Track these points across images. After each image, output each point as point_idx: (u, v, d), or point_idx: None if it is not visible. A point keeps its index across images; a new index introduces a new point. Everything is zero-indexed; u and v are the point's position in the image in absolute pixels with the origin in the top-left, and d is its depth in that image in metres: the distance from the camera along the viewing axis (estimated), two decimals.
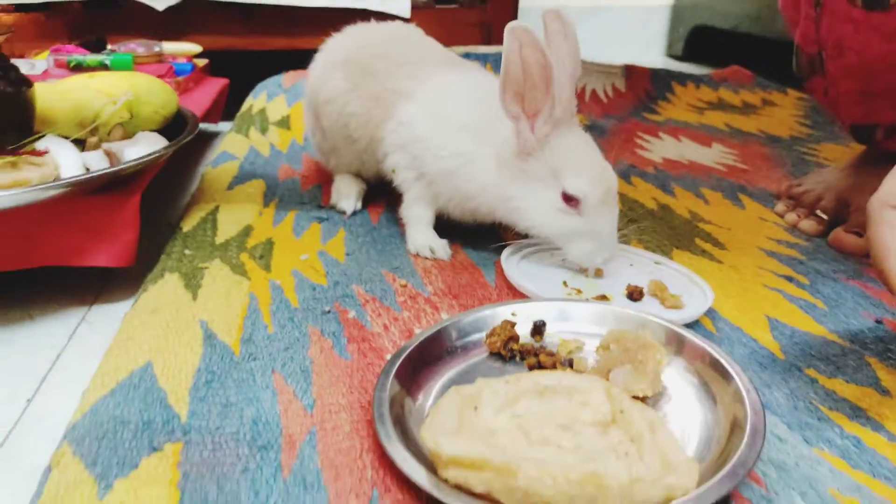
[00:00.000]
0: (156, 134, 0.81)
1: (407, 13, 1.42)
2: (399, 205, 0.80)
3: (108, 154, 0.71)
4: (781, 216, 0.89)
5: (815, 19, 0.78)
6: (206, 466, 0.44)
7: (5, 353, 0.62)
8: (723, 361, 0.50)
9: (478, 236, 0.79)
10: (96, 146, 0.75)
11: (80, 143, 0.77)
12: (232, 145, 1.10)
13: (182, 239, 0.75)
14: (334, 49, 0.87)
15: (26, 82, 0.71)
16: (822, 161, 1.14)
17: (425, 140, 0.73)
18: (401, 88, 0.77)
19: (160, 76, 1.07)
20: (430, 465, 0.41)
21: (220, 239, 0.76)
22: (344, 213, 0.86)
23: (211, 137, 1.28)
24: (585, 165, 0.66)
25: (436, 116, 0.73)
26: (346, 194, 0.87)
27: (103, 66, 1.15)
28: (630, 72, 1.58)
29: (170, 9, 1.40)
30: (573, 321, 0.59)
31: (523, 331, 0.58)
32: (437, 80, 0.77)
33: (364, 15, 0.92)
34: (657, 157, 1.16)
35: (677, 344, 0.54)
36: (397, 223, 0.83)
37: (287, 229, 0.80)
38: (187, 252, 0.72)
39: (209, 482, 0.42)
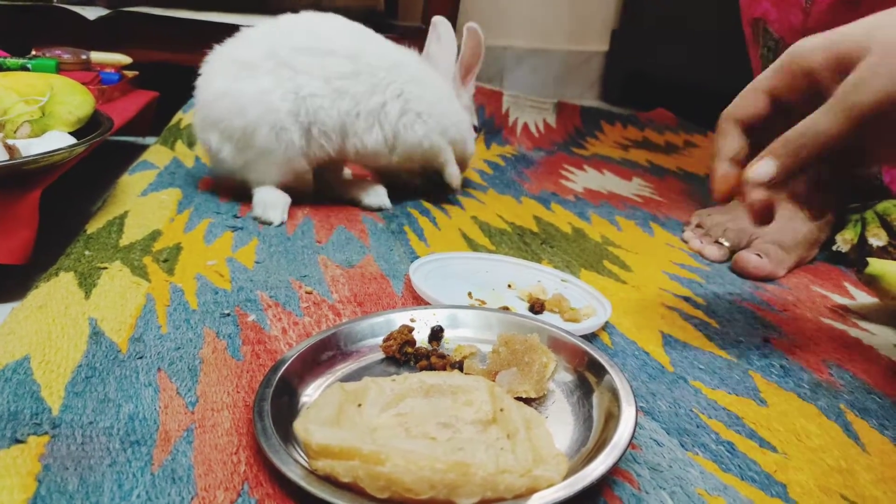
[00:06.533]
0: (66, 134, 0.79)
1: None
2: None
3: (10, 149, 0.69)
4: (687, 242, 0.92)
5: (805, 10, 0.84)
6: (70, 459, 0.42)
7: None
8: (601, 361, 0.51)
9: (392, 250, 0.79)
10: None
11: None
12: (153, 155, 1.08)
13: (84, 241, 0.73)
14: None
15: None
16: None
17: (437, 103, 0.94)
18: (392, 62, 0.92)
19: (84, 83, 1.05)
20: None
21: (124, 242, 0.74)
22: (271, 223, 0.85)
23: (138, 150, 1.25)
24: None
25: (427, 84, 0.94)
26: (273, 205, 0.87)
27: (24, 69, 1.12)
28: (561, 108, 1.64)
29: (101, 20, 1.38)
30: (468, 327, 0.59)
31: (422, 336, 0.58)
32: (409, 58, 0.95)
33: None
34: (579, 187, 1.19)
35: (561, 348, 0.55)
36: (312, 235, 0.83)
37: (198, 236, 0.79)
38: (87, 253, 0.70)
39: (72, 474, 0.41)
